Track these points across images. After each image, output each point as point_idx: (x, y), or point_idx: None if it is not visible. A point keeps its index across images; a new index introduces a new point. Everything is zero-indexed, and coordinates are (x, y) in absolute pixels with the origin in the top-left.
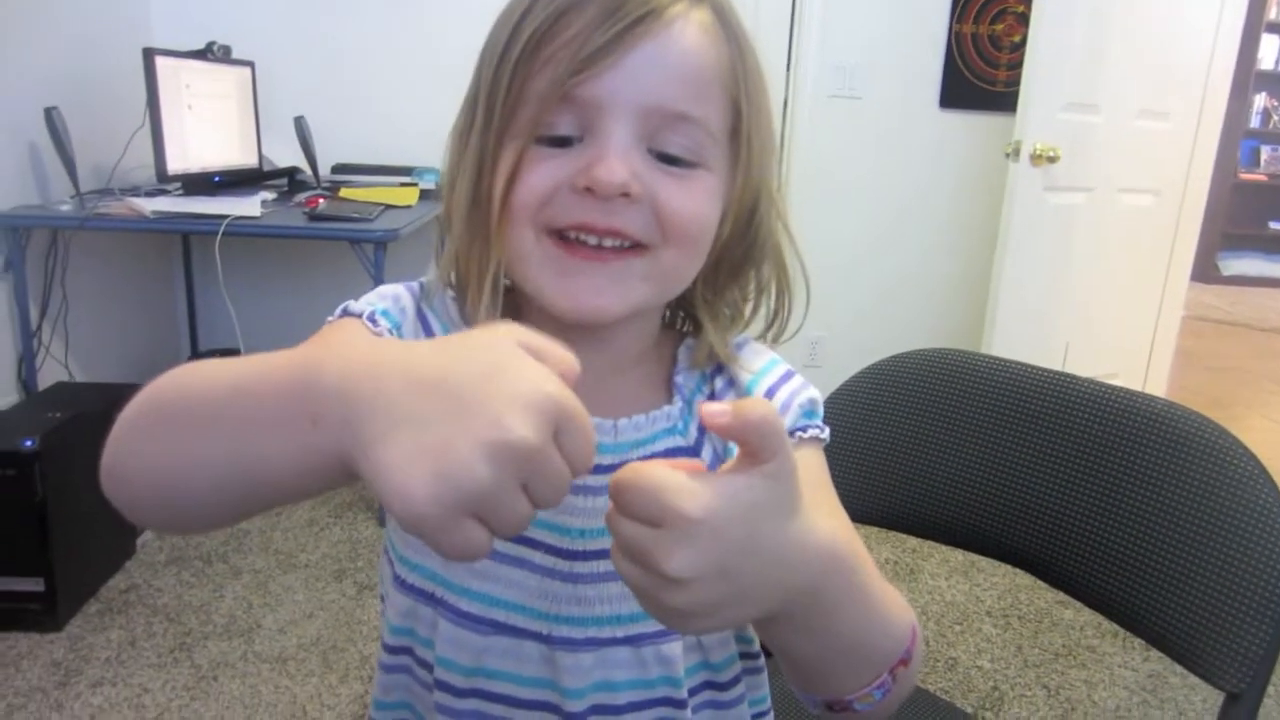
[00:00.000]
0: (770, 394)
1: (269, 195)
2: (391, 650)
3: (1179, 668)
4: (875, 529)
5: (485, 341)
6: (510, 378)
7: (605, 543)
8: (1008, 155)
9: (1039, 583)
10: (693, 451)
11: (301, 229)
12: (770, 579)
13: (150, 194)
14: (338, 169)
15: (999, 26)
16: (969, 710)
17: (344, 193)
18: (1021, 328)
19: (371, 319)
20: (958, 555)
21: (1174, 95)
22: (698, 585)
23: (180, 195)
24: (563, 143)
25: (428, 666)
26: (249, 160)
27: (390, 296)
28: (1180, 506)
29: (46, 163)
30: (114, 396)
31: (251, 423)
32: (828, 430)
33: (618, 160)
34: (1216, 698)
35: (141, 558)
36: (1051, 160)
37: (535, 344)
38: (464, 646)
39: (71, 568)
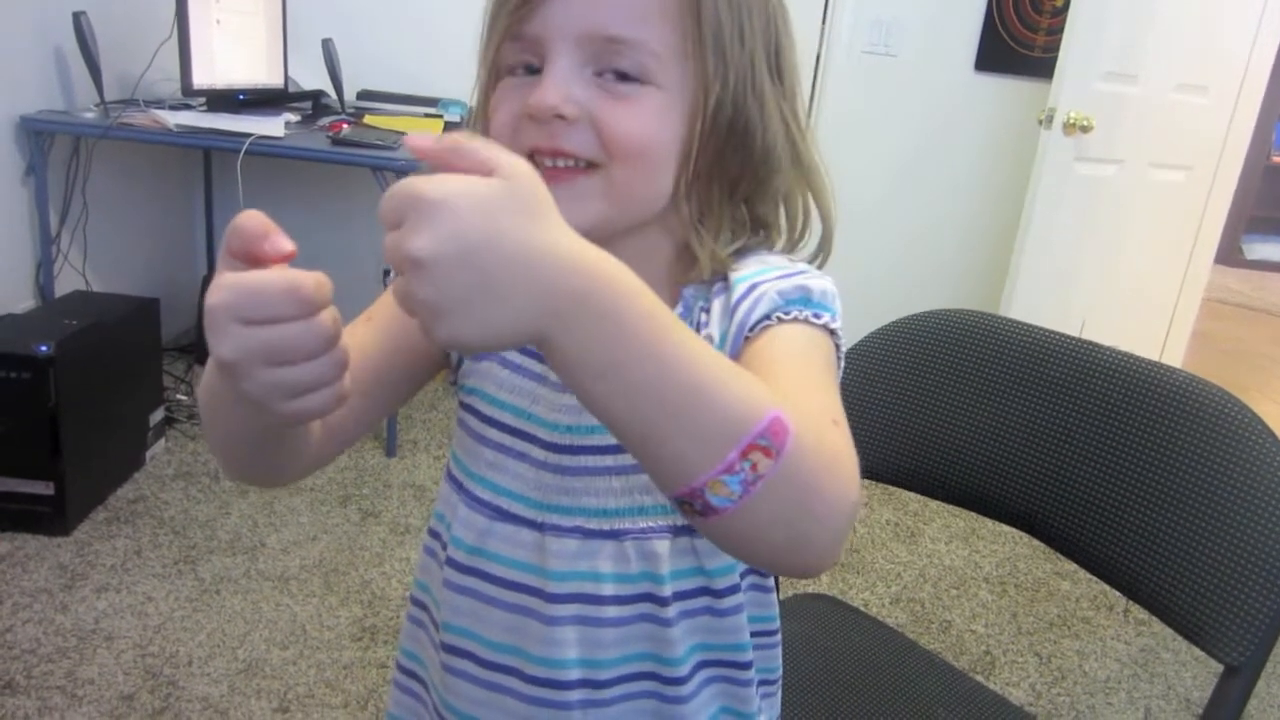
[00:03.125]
0: (754, 287)
1: (293, 117)
2: (430, 533)
3: (1172, 643)
4: (879, 489)
5: None
6: (205, 310)
7: (591, 439)
8: (1040, 122)
9: (1038, 552)
10: None
11: (324, 153)
12: (517, 276)
13: (174, 107)
14: (363, 95)
15: None
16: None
17: (368, 120)
18: (1040, 297)
19: None
20: (959, 521)
21: (1214, 70)
22: (438, 269)
23: (204, 111)
24: (532, 71)
25: (446, 546)
26: (274, 80)
27: None
28: (1194, 478)
29: (72, 68)
30: (130, 308)
31: (225, 401)
32: (830, 320)
33: (551, 86)
34: (1207, 675)
35: (150, 470)
36: (1085, 130)
37: (239, 246)
38: (471, 527)
39: (81, 474)
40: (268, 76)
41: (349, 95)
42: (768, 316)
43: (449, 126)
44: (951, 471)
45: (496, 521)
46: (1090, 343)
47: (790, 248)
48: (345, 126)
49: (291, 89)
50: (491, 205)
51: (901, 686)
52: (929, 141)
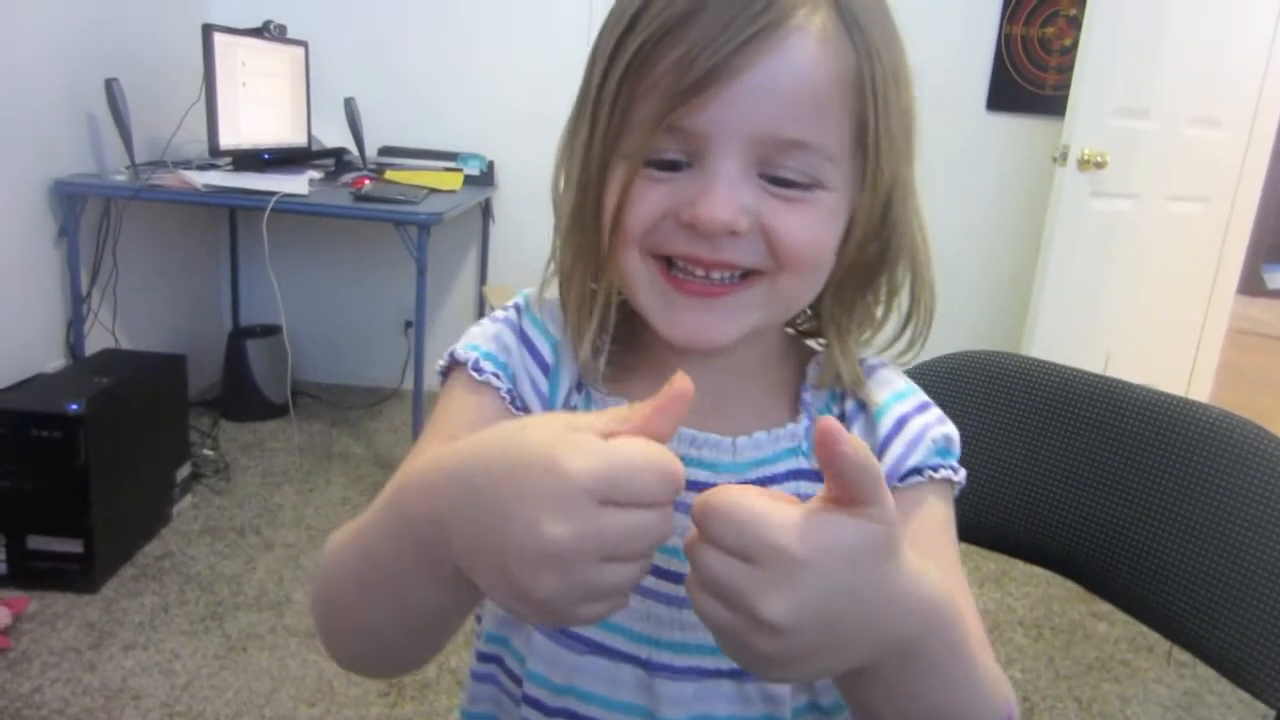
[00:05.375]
0: (902, 422)
1: (316, 174)
2: (482, 658)
3: (1215, 686)
4: None
5: (519, 437)
6: (535, 475)
7: None
8: (1054, 159)
9: (1072, 594)
10: (817, 476)
11: (348, 209)
12: (867, 628)
13: (202, 168)
14: (384, 151)
15: (1050, 29)
16: None
17: (390, 175)
18: (1062, 335)
19: (476, 367)
20: (990, 564)
21: (1227, 102)
22: (795, 632)
23: (230, 170)
24: (673, 165)
25: (517, 680)
26: (298, 139)
27: (492, 337)
28: (1233, 516)
29: (104, 133)
30: (157, 365)
31: (399, 581)
32: (963, 473)
33: (723, 197)
34: (1254, 718)
35: (177, 526)
36: (1099, 165)
37: (586, 420)
38: (556, 664)
39: (110, 531)
40: (292, 135)
41: (370, 151)
42: (919, 470)
43: (468, 180)
44: (981, 516)
45: (589, 655)
46: (1118, 380)
47: (874, 333)
48: (367, 182)
49: (315, 147)
50: (860, 558)
51: None
52: (944, 183)
